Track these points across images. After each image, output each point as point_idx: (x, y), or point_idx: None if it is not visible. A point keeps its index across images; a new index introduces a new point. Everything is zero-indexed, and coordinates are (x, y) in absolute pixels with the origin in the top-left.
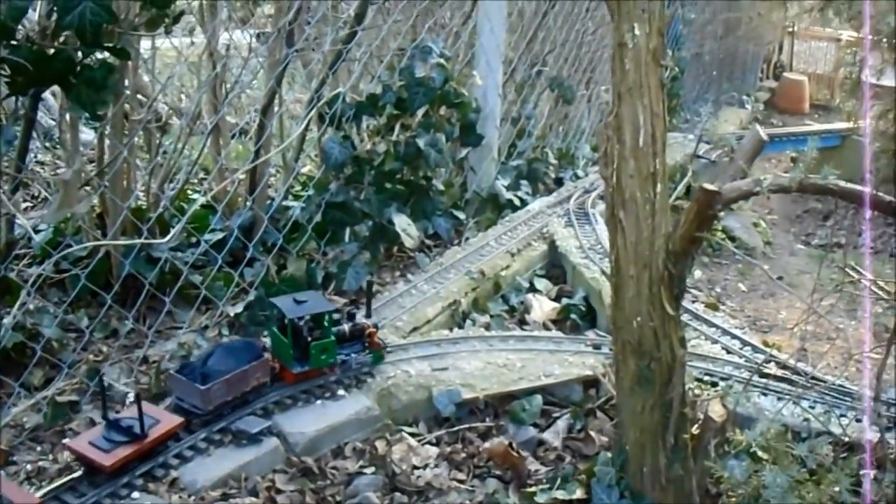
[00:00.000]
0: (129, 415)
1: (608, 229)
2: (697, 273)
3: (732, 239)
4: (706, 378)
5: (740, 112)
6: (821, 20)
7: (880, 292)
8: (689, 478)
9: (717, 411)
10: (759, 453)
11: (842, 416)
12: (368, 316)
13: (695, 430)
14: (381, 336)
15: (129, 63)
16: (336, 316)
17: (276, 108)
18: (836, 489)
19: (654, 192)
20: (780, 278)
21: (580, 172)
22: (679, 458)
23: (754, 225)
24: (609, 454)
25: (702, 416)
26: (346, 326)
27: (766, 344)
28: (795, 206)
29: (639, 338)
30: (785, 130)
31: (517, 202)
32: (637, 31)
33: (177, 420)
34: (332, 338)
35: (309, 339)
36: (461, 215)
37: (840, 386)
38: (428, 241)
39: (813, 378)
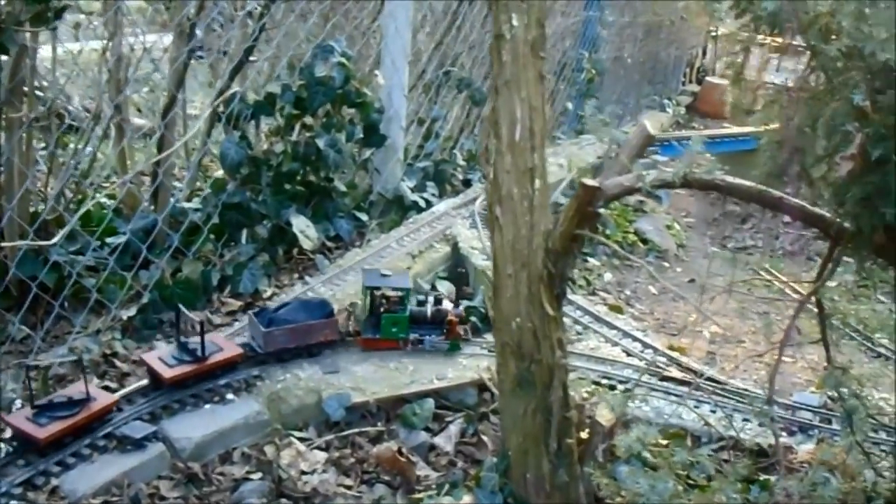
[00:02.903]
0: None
1: (488, 227)
2: (607, 275)
3: (645, 241)
4: (604, 381)
5: (661, 116)
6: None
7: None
8: (576, 484)
9: (604, 415)
10: (652, 458)
11: (745, 420)
12: (456, 304)
13: (584, 434)
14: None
15: (28, 62)
16: (421, 297)
17: (178, 109)
18: (727, 496)
19: (533, 188)
20: (691, 281)
21: None
22: (564, 463)
23: (668, 227)
24: (495, 459)
25: (589, 420)
26: (429, 309)
27: (671, 347)
28: (713, 209)
29: (518, 339)
30: (703, 133)
31: (423, 204)
32: (515, 22)
33: (237, 350)
34: (407, 314)
35: (382, 310)
36: (364, 217)
37: (744, 389)
38: (329, 243)
39: (712, 380)
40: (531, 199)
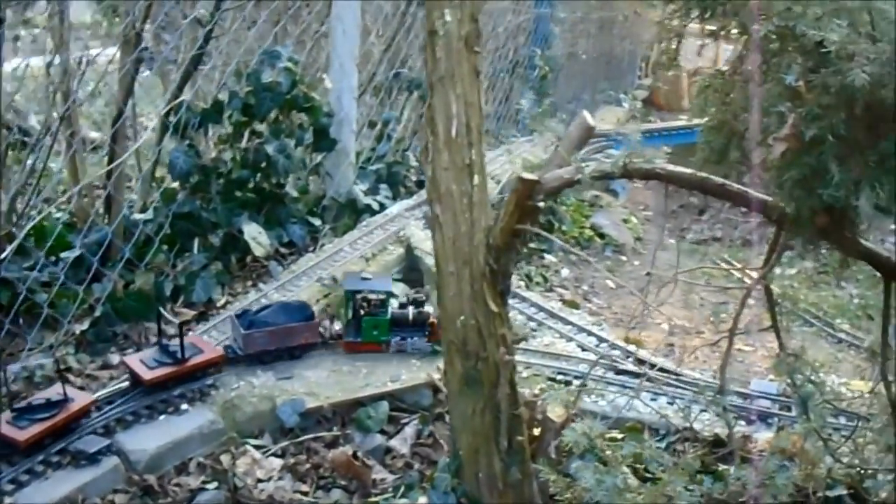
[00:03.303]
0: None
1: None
2: (565, 271)
3: (602, 236)
4: (559, 377)
5: (618, 111)
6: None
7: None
8: (529, 481)
9: (556, 412)
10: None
11: (703, 410)
12: None
13: (536, 431)
14: None
15: None
16: (403, 300)
17: (129, 121)
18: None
19: (472, 184)
20: (648, 274)
21: None
22: (516, 461)
23: (624, 221)
24: (448, 460)
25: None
26: (410, 312)
27: (627, 340)
28: (671, 201)
29: (463, 337)
30: (659, 126)
31: (376, 206)
32: (448, 18)
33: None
34: (388, 317)
35: (362, 313)
36: (317, 222)
37: (701, 380)
38: (283, 249)
39: (669, 372)
40: (470, 196)
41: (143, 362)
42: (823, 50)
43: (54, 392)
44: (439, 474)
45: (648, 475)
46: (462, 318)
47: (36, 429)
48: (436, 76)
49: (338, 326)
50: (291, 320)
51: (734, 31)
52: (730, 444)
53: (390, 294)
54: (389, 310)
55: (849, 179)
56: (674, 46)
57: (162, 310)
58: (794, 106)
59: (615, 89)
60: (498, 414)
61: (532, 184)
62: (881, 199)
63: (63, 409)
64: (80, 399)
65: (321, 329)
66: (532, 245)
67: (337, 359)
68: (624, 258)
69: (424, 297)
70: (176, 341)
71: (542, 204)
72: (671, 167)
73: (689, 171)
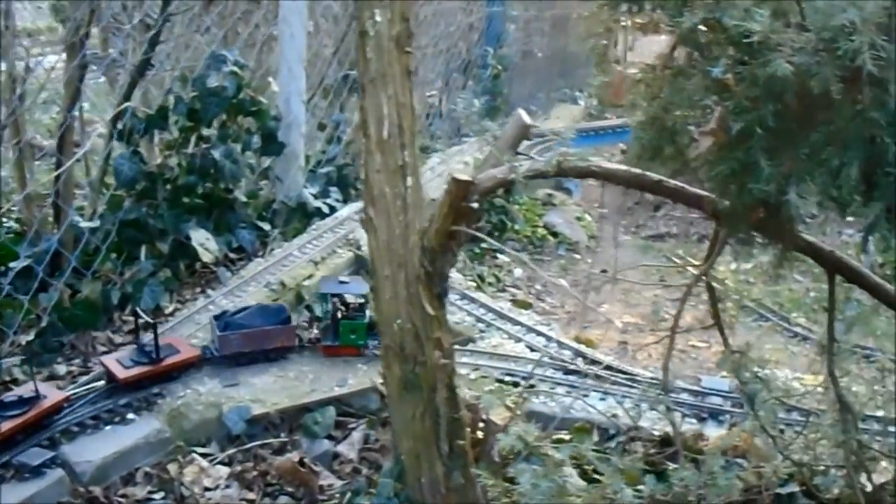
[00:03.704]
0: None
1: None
2: (518, 271)
3: (555, 235)
4: (507, 378)
5: (573, 108)
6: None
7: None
8: (472, 485)
9: (499, 414)
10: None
11: (653, 409)
12: None
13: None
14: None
15: None
16: None
17: (77, 127)
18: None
19: (405, 186)
20: (604, 271)
21: None
22: (458, 465)
23: (578, 219)
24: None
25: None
26: None
27: (578, 340)
28: (627, 197)
29: (400, 341)
30: (612, 123)
31: (326, 209)
32: (378, 18)
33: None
34: (365, 321)
35: (340, 317)
36: (267, 226)
37: (651, 379)
38: (233, 255)
39: (619, 371)
40: (404, 198)
41: (118, 362)
42: (747, 41)
43: (27, 389)
44: (383, 479)
45: (597, 476)
46: (399, 321)
47: (7, 425)
48: (367, 78)
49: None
50: (268, 323)
51: (664, 24)
52: (675, 443)
53: (367, 297)
54: (367, 313)
55: (779, 173)
56: (604, 42)
57: (138, 310)
58: (721, 99)
59: (571, 87)
60: (438, 418)
61: (466, 185)
62: (812, 193)
63: (35, 406)
64: (52, 396)
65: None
66: (484, 245)
67: (284, 364)
68: (578, 256)
69: None
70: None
71: (475, 205)
72: (606, 165)
73: (624, 168)
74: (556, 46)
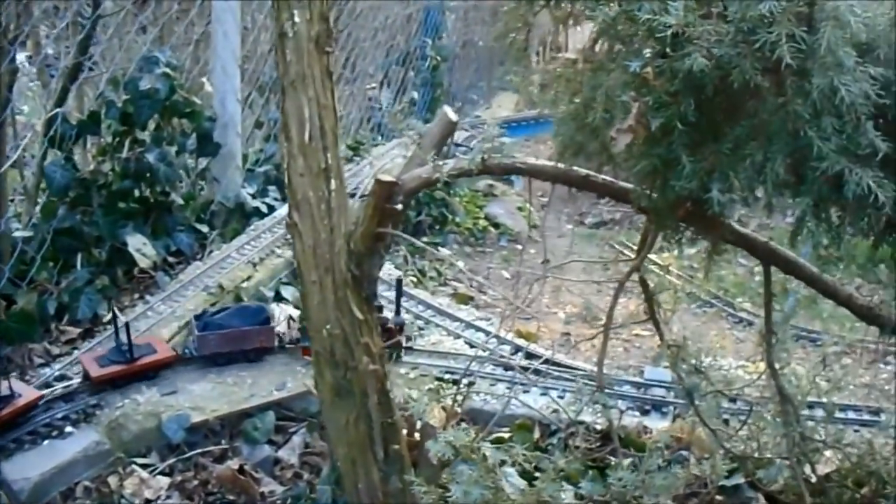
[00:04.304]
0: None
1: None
2: (460, 264)
3: (496, 226)
4: (447, 376)
5: (515, 96)
6: None
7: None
8: (411, 489)
9: (436, 416)
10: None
11: (596, 402)
12: (397, 313)
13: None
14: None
15: None
16: None
17: (8, 133)
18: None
19: (329, 189)
20: (546, 261)
21: None
22: (394, 470)
23: (519, 209)
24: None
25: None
26: None
27: (519, 333)
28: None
29: (330, 347)
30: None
31: (265, 209)
32: (297, 19)
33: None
34: None
35: None
36: (205, 228)
37: (590, 374)
38: (172, 259)
39: (557, 364)
40: (328, 202)
41: (95, 360)
42: (660, 34)
43: (2, 387)
44: (321, 486)
45: (540, 472)
46: (328, 326)
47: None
48: (287, 80)
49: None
50: (247, 323)
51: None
52: (612, 441)
53: None
54: None
55: (701, 169)
56: (521, 36)
57: (116, 310)
58: (640, 94)
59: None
60: (371, 423)
61: (390, 186)
62: (736, 189)
63: (9, 405)
64: (27, 394)
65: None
66: (425, 239)
67: (222, 371)
68: (519, 247)
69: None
70: (138, 341)
71: (399, 206)
72: (532, 161)
73: (551, 164)
74: (496, 35)
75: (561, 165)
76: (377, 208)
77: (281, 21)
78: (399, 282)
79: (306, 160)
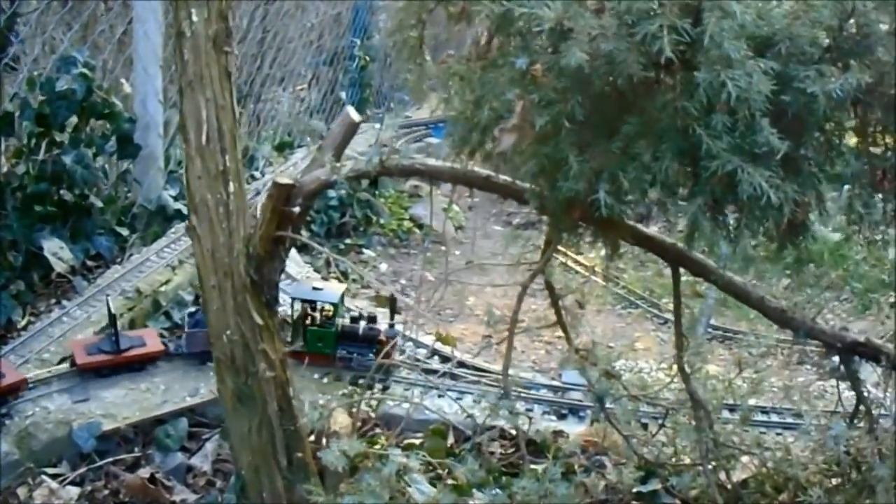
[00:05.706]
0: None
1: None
2: (383, 266)
3: (421, 227)
4: (361, 381)
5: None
6: None
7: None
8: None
9: (341, 422)
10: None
11: (529, 409)
12: (391, 325)
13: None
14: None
15: None
16: (355, 314)
17: None
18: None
19: (227, 192)
20: (469, 262)
21: (257, 174)
22: (299, 478)
23: (444, 210)
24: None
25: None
26: (361, 327)
27: (438, 336)
28: None
29: (231, 353)
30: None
31: (186, 211)
32: (195, 18)
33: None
34: (333, 329)
35: (308, 323)
36: (126, 232)
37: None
38: (91, 263)
39: (475, 368)
40: (227, 205)
41: (84, 347)
42: (538, 29)
43: None
44: (227, 495)
45: (452, 480)
46: (228, 332)
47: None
48: (185, 80)
49: None
50: None
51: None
52: (520, 449)
53: (335, 305)
54: (339, 322)
55: (589, 169)
56: (415, 34)
57: (108, 299)
58: (527, 91)
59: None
60: (273, 430)
61: (287, 188)
62: (623, 190)
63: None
64: (11, 375)
65: None
66: (349, 241)
67: (133, 377)
68: (444, 248)
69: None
70: (130, 332)
71: (297, 209)
72: (431, 162)
73: (449, 165)
74: (427, 34)
75: (459, 166)
76: (275, 211)
77: (178, 20)
78: (393, 300)
79: (204, 162)
